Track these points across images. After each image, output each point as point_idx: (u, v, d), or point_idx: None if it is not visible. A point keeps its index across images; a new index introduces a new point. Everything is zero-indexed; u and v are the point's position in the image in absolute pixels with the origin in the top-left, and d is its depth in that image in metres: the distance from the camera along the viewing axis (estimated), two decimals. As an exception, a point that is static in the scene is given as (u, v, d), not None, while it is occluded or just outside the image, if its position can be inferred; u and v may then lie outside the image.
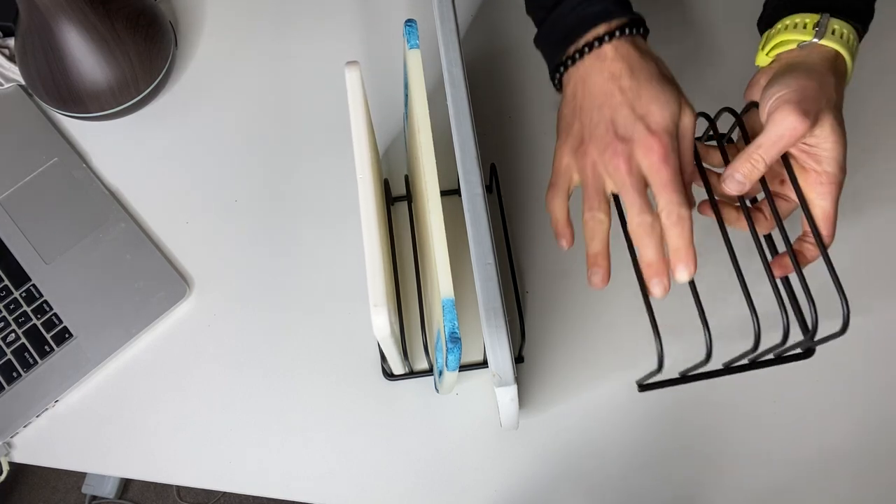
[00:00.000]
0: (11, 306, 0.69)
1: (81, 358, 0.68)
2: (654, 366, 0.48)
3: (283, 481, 0.65)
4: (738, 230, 0.53)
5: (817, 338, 0.49)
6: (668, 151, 0.49)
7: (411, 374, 0.67)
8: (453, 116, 0.52)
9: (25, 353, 0.68)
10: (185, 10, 0.82)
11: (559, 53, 0.54)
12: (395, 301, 0.65)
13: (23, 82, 0.75)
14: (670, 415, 0.66)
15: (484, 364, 0.67)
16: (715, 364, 0.52)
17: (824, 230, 0.50)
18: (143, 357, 0.69)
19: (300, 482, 0.65)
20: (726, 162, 0.52)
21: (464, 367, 0.66)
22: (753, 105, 0.53)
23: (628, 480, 0.64)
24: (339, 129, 0.75)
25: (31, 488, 1.40)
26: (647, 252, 0.49)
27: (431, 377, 0.67)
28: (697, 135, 0.55)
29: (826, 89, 0.49)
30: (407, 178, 0.74)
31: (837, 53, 0.50)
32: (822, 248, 0.49)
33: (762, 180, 0.51)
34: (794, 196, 0.52)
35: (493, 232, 0.50)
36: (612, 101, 0.50)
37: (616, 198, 0.51)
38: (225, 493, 1.26)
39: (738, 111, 0.54)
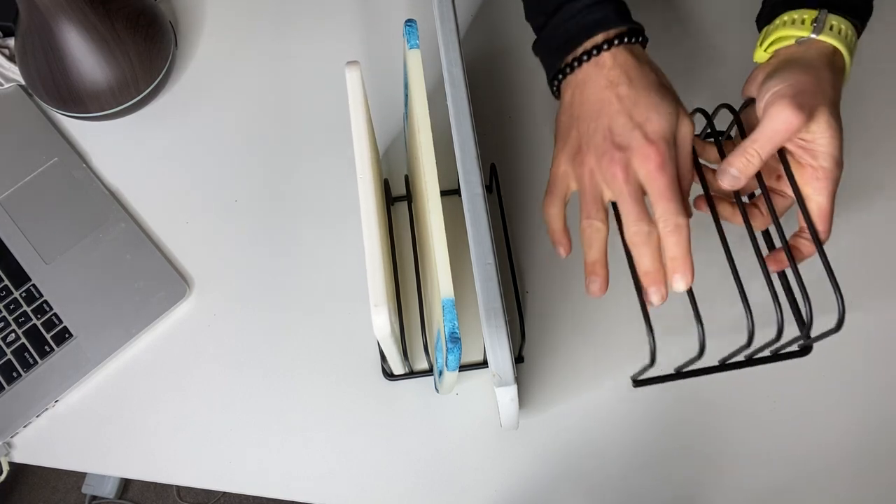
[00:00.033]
0: (11, 306, 0.69)
1: (81, 358, 0.68)
2: (657, 367, 0.48)
3: (283, 481, 0.65)
4: (734, 226, 0.53)
5: (813, 335, 0.49)
6: (666, 160, 0.49)
7: (411, 374, 0.67)
8: (453, 116, 0.52)
9: (25, 353, 0.68)
10: (185, 10, 0.82)
11: (558, 61, 0.54)
12: (395, 301, 0.65)
13: (23, 82, 0.75)
14: (670, 415, 0.66)
15: (484, 364, 0.67)
16: (711, 361, 0.52)
17: (820, 226, 0.50)
18: (143, 357, 0.69)
19: (300, 482, 0.65)
20: (723, 158, 0.52)
21: (464, 367, 0.66)
22: (751, 101, 0.53)
23: (628, 480, 0.64)
24: (339, 129, 0.76)
25: (31, 488, 1.40)
26: (644, 261, 0.49)
27: (431, 377, 0.67)
28: (696, 132, 0.55)
29: (822, 85, 0.49)
30: (407, 178, 0.74)
31: (835, 49, 0.50)
32: (818, 243, 0.50)
33: (758, 176, 0.51)
34: (790, 192, 0.52)
35: (493, 232, 0.50)
36: (609, 108, 0.50)
37: (614, 205, 0.51)
38: (225, 493, 1.26)
39: (738, 108, 0.54)
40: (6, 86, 0.77)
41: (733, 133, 0.57)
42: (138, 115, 0.77)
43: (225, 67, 0.79)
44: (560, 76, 0.54)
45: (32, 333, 0.68)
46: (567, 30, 0.53)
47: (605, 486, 0.64)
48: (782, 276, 0.53)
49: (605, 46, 0.51)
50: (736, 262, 0.49)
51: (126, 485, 1.41)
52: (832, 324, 0.47)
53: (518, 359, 0.67)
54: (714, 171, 0.53)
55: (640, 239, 0.49)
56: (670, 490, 0.64)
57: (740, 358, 0.52)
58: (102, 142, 0.76)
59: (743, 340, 0.49)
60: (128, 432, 0.66)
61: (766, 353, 0.52)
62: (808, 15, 0.51)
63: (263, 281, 0.71)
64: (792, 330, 0.50)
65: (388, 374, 0.67)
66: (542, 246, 0.71)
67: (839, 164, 0.50)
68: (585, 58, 0.52)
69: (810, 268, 0.50)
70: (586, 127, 0.52)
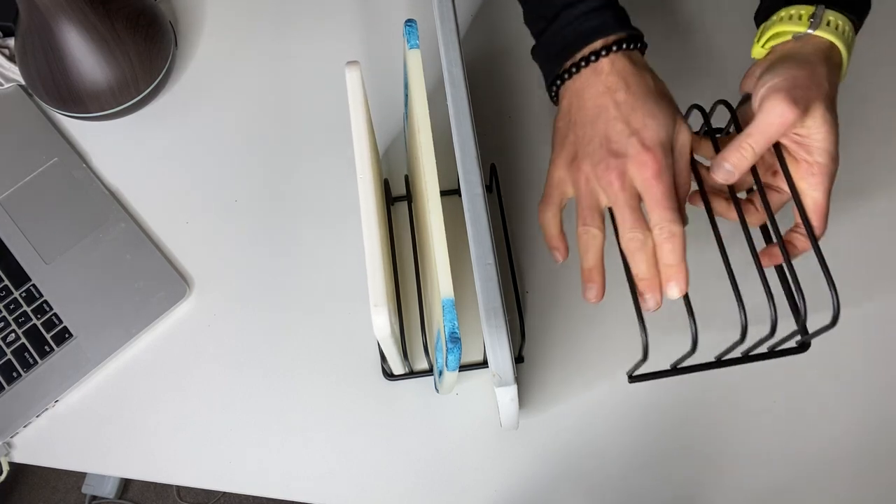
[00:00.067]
0: (11, 306, 0.69)
1: (81, 358, 0.68)
2: (656, 364, 0.48)
3: (283, 481, 0.65)
4: (730, 221, 0.53)
5: (810, 331, 0.49)
6: (662, 167, 0.49)
7: (411, 374, 0.67)
8: (453, 116, 0.52)
9: (25, 353, 0.68)
10: (185, 10, 0.82)
11: (556, 67, 0.54)
12: (395, 301, 0.65)
13: (23, 82, 0.75)
14: (670, 415, 0.66)
15: (484, 364, 0.67)
16: (709, 359, 0.52)
17: (815, 221, 0.50)
18: (143, 357, 0.69)
19: (300, 482, 0.65)
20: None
21: (464, 367, 0.66)
22: (749, 97, 0.53)
23: (628, 480, 0.64)
24: (339, 129, 0.76)
25: (31, 488, 1.40)
26: (639, 267, 0.49)
27: (431, 377, 0.67)
28: (694, 129, 0.55)
29: (818, 80, 0.49)
30: (407, 178, 0.74)
31: (832, 44, 0.50)
32: (813, 238, 0.50)
33: (754, 171, 0.51)
34: (786, 188, 0.52)
35: (493, 232, 0.50)
36: (606, 115, 0.50)
37: (611, 210, 0.51)
38: (225, 493, 1.26)
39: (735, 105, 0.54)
40: (6, 86, 0.77)
41: (732, 130, 0.57)
42: (138, 115, 0.77)
43: (225, 67, 0.79)
44: (558, 82, 0.54)
45: (32, 333, 0.68)
46: (566, 36, 0.52)
47: (605, 486, 0.64)
48: (780, 271, 0.53)
49: (604, 53, 0.51)
50: (732, 258, 0.49)
51: (126, 485, 1.41)
52: (829, 319, 0.47)
53: (518, 359, 0.67)
54: (708, 168, 0.53)
55: (636, 246, 0.49)
56: (670, 490, 0.64)
57: (737, 354, 0.53)
58: (102, 142, 0.76)
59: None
60: (128, 432, 0.66)
61: (764, 349, 0.52)
62: (805, 11, 0.51)
63: (263, 281, 0.71)
64: (789, 326, 0.50)
65: (388, 374, 0.67)
66: (542, 246, 0.71)
67: (835, 159, 0.50)
68: (583, 64, 0.52)
69: (807, 265, 0.50)
70: (583, 133, 0.52)
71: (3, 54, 0.77)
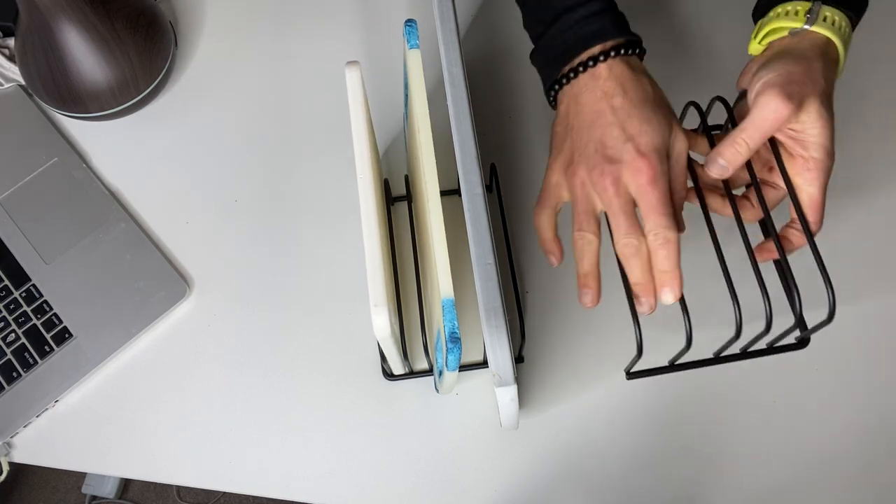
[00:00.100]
0: (11, 306, 0.69)
1: (81, 358, 0.68)
2: (655, 362, 0.48)
3: (283, 481, 0.65)
4: (726, 217, 0.54)
5: (806, 326, 0.49)
6: (657, 174, 0.49)
7: (411, 374, 0.67)
8: (453, 116, 0.52)
9: (25, 353, 0.68)
10: (185, 10, 0.82)
11: (555, 71, 0.54)
12: (395, 301, 0.65)
13: (23, 82, 0.75)
14: (670, 415, 0.66)
15: (484, 364, 0.67)
16: (708, 356, 0.52)
17: (811, 216, 0.50)
18: (143, 357, 0.69)
19: (300, 482, 0.65)
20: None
21: (464, 367, 0.66)
22: (746, 94, 0.53)
23: (628, 480, 0.64)
24: (339, 129, 0.76)
25: (31, 488, 1.41)
26: (634, 272, 0.50)
27: (431, 377, 0.67)
28: (692, 127, 0.55)
29: (814, 75, 0.49)
30: (407, 178, 0.74)
31: (828, 40, 0.50)
32: (809, 234, 0.50)
33: (749, 167, 0.51)
34: (782, 184, 0.52)
35: (493, 232, 0.50)
36: (602, 120, 0.50)
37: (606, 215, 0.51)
38: (225, 493, 1.26)
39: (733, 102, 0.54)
40: (6, 86, 0.77)
41: (730, 127, 0.57)
42: (138, 115, 0.77)
43: (225, 67, 0.79)
44: (556, 87, 0.54)
45: (32, 333, 0.68)
46: (565, 41, 0.52)
47: (605, 486, 0.64)
48: (777, 268, 0.53)
49: (602, 58, 0.51)
50: (728, 256, 0.49)
51: (126, 485, 1.41)
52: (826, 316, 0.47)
53: (518, 359, 0.67)
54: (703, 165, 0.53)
55: (630, 251, 0.49)
56: (670, 490, 0.64)
57: (735, 350, 0.53)
58: (102, 142, 0.76)
59: (743, 333, 0.49)
60: (128, 432, 0.66)
61: (763, 345, 0.52)
62: (802, 6, 0.51)
63: (263, 281, 0.71)
64: (788, 322, 0.50)
65: (388, 374, 0.67)
66: (542, 246, 0.71)
67: (830, 154, 0.50)
68: (582, 69, 0.52)
69: (804, 262, 0.50)
70: (580, 138, 0.52)
71: (3, 54, 0.77)
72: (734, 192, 0.54)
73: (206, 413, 0.67)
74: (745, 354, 0.53)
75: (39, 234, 0.72)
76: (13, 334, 0.69)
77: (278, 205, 0.74)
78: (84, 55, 0.68)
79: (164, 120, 0.77)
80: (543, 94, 0.56)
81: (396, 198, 0.73)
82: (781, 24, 0.51)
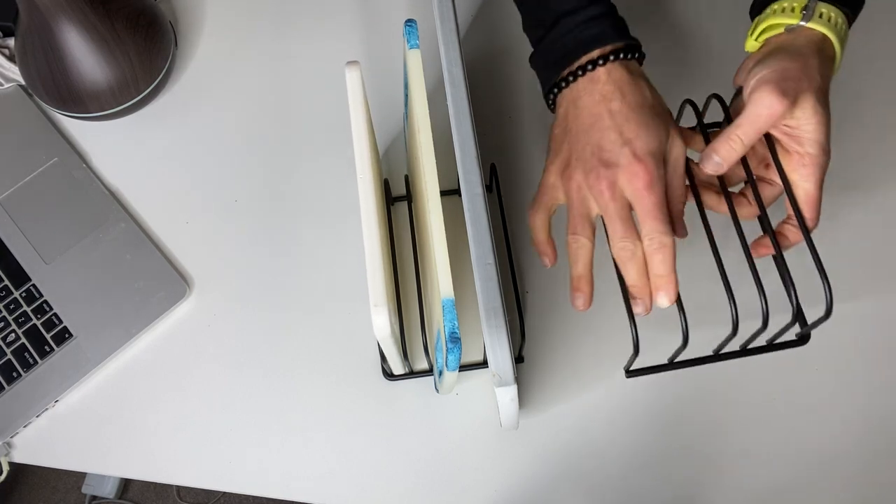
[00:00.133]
0: (11, 306, 0.69)
1: (81, 358, 0.68)
2: (654, 362, 0.48)
3: (283, 481, 0.65)
4: (722, 214, 0.54)
5: (802, 321, 0.49)
6: (654, 179, 0.49)
7: (411, 374, 0.67)
8: (453, 116, 0.52)
9: (25, 353, 0.68)
10: (185, 10, 0.82)
11: (554, 75, 0.54)
12: (395, 301, 0.65)
13: (23, 82, 0.75)
14: (670, 414, 0.66)
15: (484, 364, 0.67)
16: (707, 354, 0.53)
17: (807, 212, 0.51)
18: (143, 357, 0.69)
19: (300, 482, 0.65)
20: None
21: (464, 367, 0.66)
22: (742, 90, 0.53)
23: (628, 480, 0.64)
24: (339, 129, 0.76)
25: (31, 488, 1.40)
26: (630, 275, 0.50)
27: (431, 377, 0.67)
28: (689, 126, 0.55)
29: (809, 71, 0.49)
30: (407, 178, 0.74)
31: (824, 37, 0.51)
32: (805, 230, 0.50)
33: (745, 163, 0.51)
34: (778, 180, 0.52)
35: (493, 232, 0.50)
36: (600, 124, 0.51)
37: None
38: (225, 493, 1.26)
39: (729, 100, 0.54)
40: (6, 86, 0.78)
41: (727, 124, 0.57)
42: (138, 115, 0.77)
43: (225, 67, 0.79)
44: (555, 90, 0.54)
45: (32, 333, 0.68)
46: (564, 44, 0.53)
47: (605, 486, 0.64)
48: (777, 264, 0.53)
49: (601, 62, 0.51)
50: (724, 253, 0.49)
51: (126, 485, 1.41)
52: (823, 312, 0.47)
53: (518, 359, 0.67)
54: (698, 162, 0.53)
55: (626, 255, 0.49)
56: (670, 490, 0.64)
57: (735, 348, 0.53)
58: (102, 142, 0.76)
59: (741, 331, 0.49)
60: (128, 432, 0.66)
61: (763, 342, 0.52)
62: (798, 3, 0.51)
63: (263, 281, 0.71)
64: (786, 320, 0.50)
65: (388, 374, 0.67)
66: (542, 246, 0.71)
67: (826, 150, 0.50)
68: (581, 73, 0.52)
69: (802, 261, 0.50)
70: (577, 141, 0.52)
71: (3, 54, 0.77)
72: (731, 189, 0.54)
73: (206, 413, 0.67)
74: (744, 351, 0.53)
75: (39, 234, 0.72)
76: (13, 334, 0.69)
77: (278, 205, 0.74)
78: (84, 55, 0.68)
79: (164, 120, 0.77)
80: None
81: (396, 198, 0.73)
82: (778, 21, 0.51)
